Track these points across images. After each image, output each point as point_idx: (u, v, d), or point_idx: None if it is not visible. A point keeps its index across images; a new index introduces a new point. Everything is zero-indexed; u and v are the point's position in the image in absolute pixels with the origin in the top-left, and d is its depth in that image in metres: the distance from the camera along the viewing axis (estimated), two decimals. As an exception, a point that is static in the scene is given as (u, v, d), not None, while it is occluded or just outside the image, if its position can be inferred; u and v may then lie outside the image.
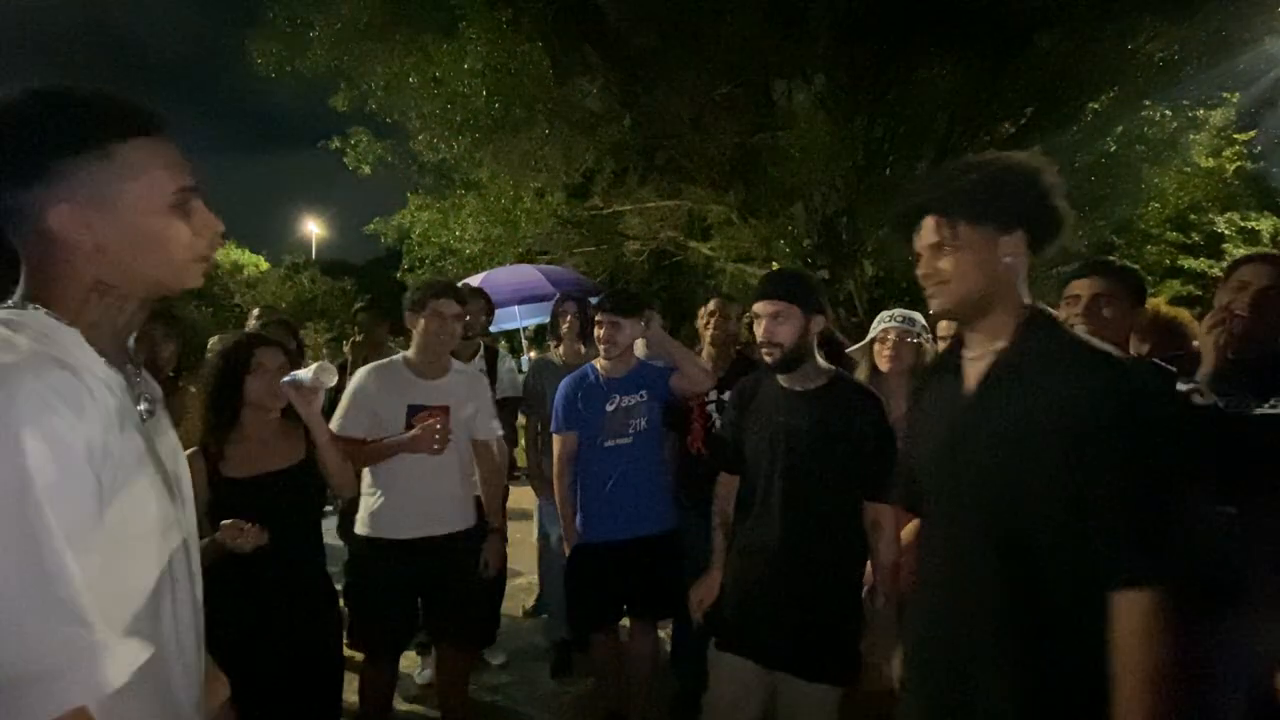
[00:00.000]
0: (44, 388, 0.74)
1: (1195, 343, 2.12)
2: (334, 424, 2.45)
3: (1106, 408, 1.12)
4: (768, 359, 2.07)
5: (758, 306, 2.13)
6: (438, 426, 2.42)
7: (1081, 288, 1.83)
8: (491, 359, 3.73)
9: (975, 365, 1.32)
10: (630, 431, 2.70)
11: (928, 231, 1.31)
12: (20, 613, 0.69)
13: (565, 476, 2.78)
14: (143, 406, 0.92)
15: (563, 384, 2.83)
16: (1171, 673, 1.06)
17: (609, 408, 2.71)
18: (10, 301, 0.86)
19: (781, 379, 2.10)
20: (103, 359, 0.86)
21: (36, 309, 0.84)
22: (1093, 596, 1.11)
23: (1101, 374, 1.15)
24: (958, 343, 1.39)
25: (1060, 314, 1.83)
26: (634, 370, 2.78)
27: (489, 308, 3.87)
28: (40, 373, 0.75)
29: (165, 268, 0.89)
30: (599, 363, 2.81)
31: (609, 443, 2.70)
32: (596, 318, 2.76)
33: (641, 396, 2.73)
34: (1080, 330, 1.76)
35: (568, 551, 2.82)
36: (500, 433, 2.88)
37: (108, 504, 0.80)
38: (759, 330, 2.11)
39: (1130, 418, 1.11)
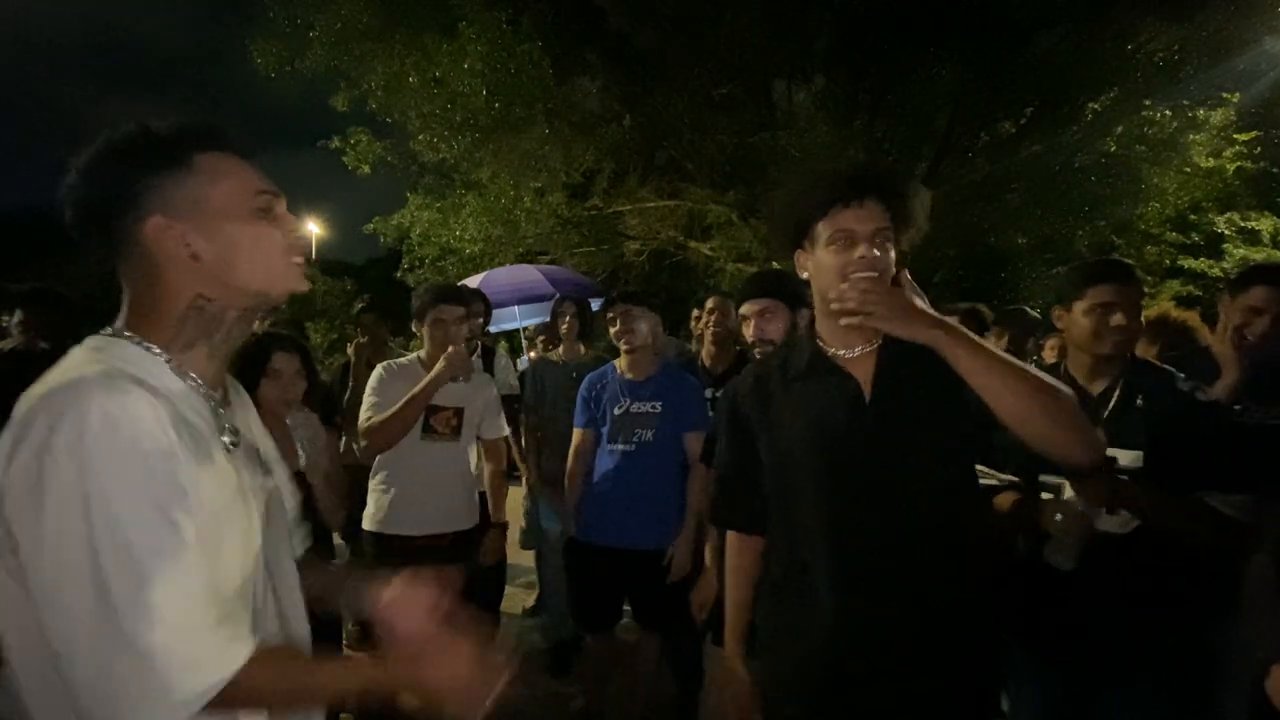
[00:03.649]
0: (114, 404, 0.75)
1: (1208, 344, 2.14)
2: (377, 419, 2.48)
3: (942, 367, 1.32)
4: (760, 355, 2.10)
5: (745, 308, 2.21)
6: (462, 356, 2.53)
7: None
8: (488, 358, 3.74)
9: (861, 364, 1.35)
10: (633, 440, 2.62)
11: (881, 214, 1.29)
12: (99, 649, 0.72)
13: (575, 473, 2.76)
14: (226, 439, 0.90)
15: (585, 380, 2.80)
16: None
17: (616, 410, 2.66)
18: (104, 330, 0.87)
19: None
20: (194, 383, 0.88)
21: (125, 336, 0.86)
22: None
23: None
24: (815, 343, 1.41)
25: (1084, 322, 1.72)
26: (654, 377, 2.67)
27: (487, 309, 3.87)
28: (111, 388, 0.76)
29: (263, 273, 0.90)
30: (619, 363, 2.75)
31: (611, 446, 2.66)
32: (609, 314, 2.69)
33: (654, 408, 2.61)
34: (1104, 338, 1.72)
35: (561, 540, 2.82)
36: (507, 431, 2.91)
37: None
38: (749, 330, 2.15)
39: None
